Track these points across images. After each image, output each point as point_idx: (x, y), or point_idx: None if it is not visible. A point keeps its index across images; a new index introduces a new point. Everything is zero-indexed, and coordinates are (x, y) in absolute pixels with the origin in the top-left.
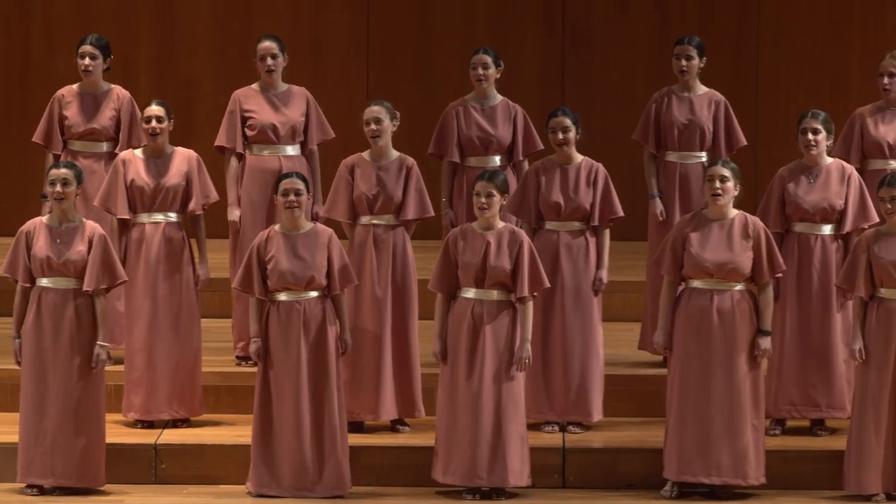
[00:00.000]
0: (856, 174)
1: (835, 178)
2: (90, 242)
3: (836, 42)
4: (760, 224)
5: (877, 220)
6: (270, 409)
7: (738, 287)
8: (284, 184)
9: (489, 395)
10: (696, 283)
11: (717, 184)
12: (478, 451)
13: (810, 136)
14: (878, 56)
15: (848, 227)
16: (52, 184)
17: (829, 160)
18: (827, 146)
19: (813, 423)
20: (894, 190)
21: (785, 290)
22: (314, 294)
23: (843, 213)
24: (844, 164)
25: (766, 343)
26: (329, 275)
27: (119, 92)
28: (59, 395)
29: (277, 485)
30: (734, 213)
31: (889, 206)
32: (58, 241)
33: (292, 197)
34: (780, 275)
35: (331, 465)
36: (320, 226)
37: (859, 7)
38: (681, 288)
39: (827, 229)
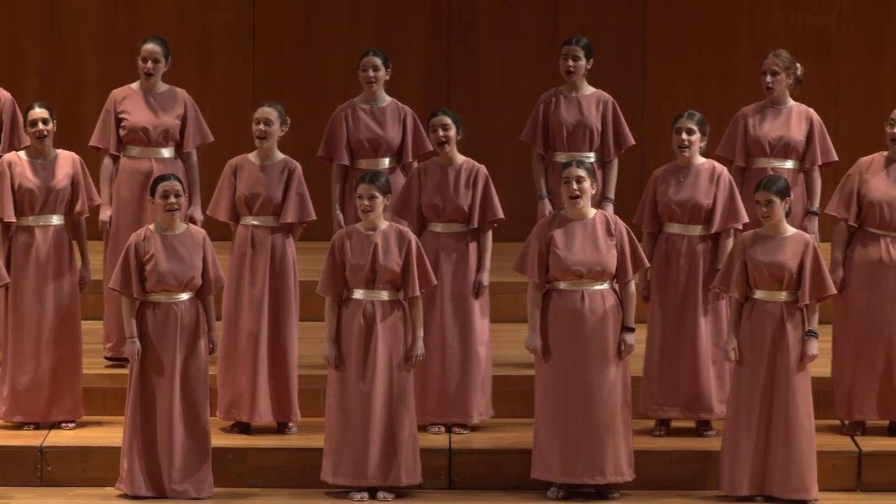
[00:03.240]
0: (726, 174)
1: (704, 178)
2: None
3: (723, 41)
4: (621, 222)
5: (746, 220)
6: (146, 410)
7: (605, 286)
8: (164, 186)
9: (381, 395)
10: (563, 285)
11: (575, 185)
12: (370, 451)
13: (684, 136)
14: (764, 56)
15: (716, 227)
16: None
17: (702, 160)
18: (700, 147)
19: (699, 423)
20: (770, 193)
21: (651, 289)
22: (188, 295)
23: (711, 213)
24: (716, 164)
25: (631, 339)
26: (203, 276)
27: (1, 94)
28: None
29: (151, 486)
30: (593, 212)
31: (765, 209)
32: None
33: (172, 199)
34: (642, 269)
35: (205, 467)
36: (193, 227)
37: (746, 7)
38: (547, 289)
39: (696, 230)
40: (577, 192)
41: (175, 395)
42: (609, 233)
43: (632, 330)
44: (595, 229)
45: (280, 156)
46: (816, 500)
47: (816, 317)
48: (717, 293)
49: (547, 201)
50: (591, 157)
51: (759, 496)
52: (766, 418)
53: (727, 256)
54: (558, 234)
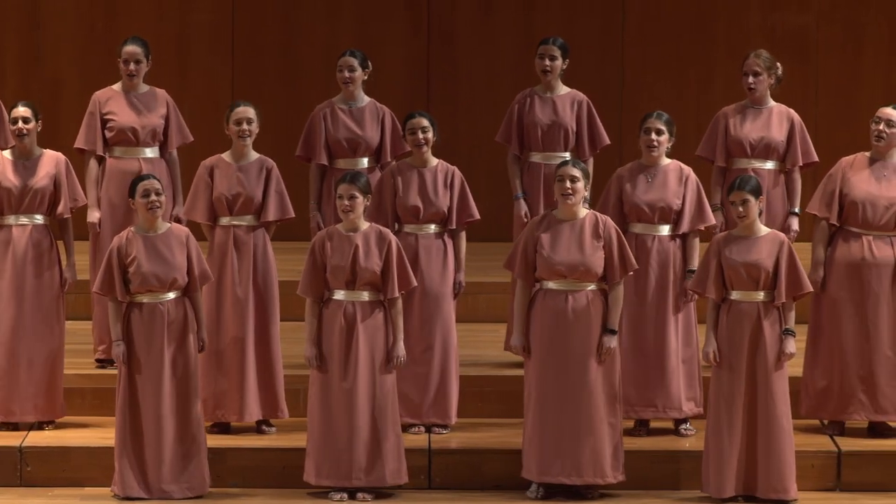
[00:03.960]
0: (693, 175)
1: (672, 179)
2: None
3: (701, 42)
4: (611, 223)
5: (713, 221)
6: (135, 412)
7: (592, 287)
8: (144, 185)
9: (364, 396)
10: (550, 285)
11: (568, 184)
12: (354, 452)
13: (653, 136)
14: (743, 55)
15: (685, 227)
16: None
17: (667, 161)
18: (667, 148)
19: (677, 423)
20: (744, 193)
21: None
22: (174, 295)
23: (680, 213)
24: (682, 164)
25: (611, 342)
26: (189, 274)
27: None
28: None
29: (143, 487)
30: (584, 212)
31: (741, 209)
32: None
33: (153, 197)
34: (631, 272)
35: (193, 466)
36: (176, 225)
37: (723, 7)
38: (536, 289)
39: (664, 230)
40: (570, 191)
41: (164, 395)
42: (597, 234)
43: (614, 332)
44: (583, 230)
45: (255, 154)
46: (796, 499)
47: (793, 315)
48: (691, 295)
49: (523, 202)
50: (565, 157)
51: (740, 497)
52: (747, 418)
53: (702, 258)
54: (545, 234)
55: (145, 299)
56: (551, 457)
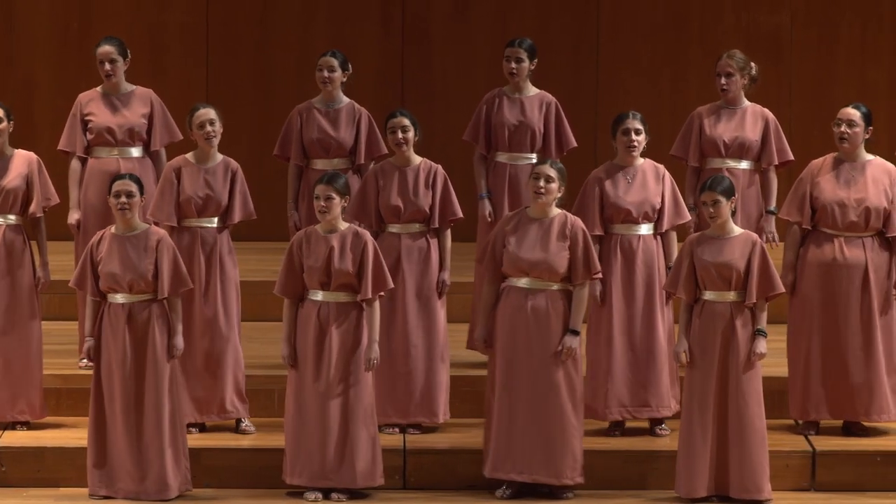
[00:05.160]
0: (668, 173)
1: (651, 178)
2: None
3: (676, 42)
4: (580, 225)
5: (689, 218)
6: (103, 410)
7: (555, 287)
8: (116, 185)
9: (337, 397)
10: (514, 282)
11: (542, 182)
12: (326, 452)
13: (633, 136)
14: (717, 56)
15: (665, 225)
16: None
17: (642, 160)
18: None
19: (652, 422)
20: (716, 193)
21: (610, 292)
22: (143, 297)
23: (660, 212)
24: (656, 163)
25: (572, 342)
26: (159, 278)
27: None
28: None
29: (111, 486)
30: (555, 212)
31: (712, 209)
32: None
33: (123, 199)
34: (597, 276)
35: (154, 470)
36: (154, 228)
37: (697, 7)
38: (503, 286)
39: (646, 229)
40: (544, 190)
41: (129, 397)
42: (563, 235)
43: (576, 333)
44: (550, 230)
45: (220, 156)
46: (770, 499)
47: (765, 315)
48: (668, 294)
49: (487, 201)
50: (532, 158)
51: (713, 497)
52: (719, 419)
53: (676, 258)
54: (514, 230)
55: (114, 298)
56: (506, 454)
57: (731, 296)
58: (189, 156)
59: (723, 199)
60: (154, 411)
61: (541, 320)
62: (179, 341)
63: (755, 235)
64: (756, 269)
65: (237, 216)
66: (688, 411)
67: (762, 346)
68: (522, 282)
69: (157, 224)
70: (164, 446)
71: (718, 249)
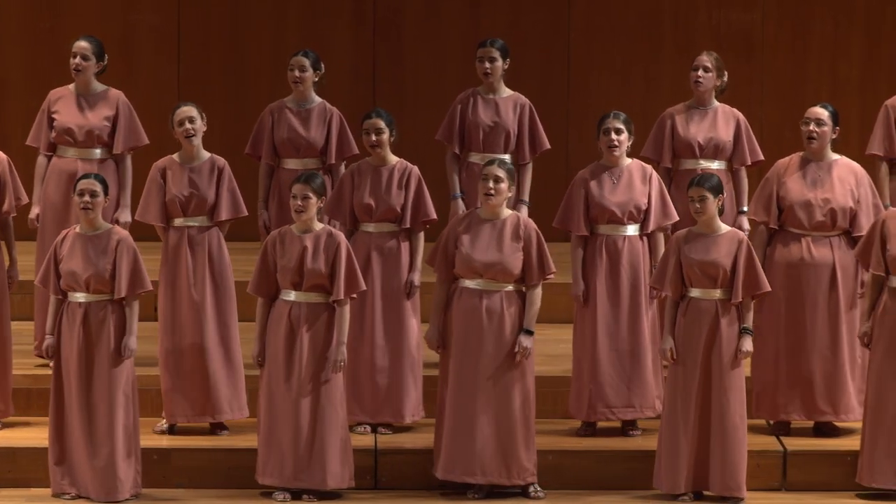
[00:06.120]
0: (656, 174)
1: (637, 178)
2: None
3: (647, 41)
4: (532, 226)
5: (677, 218)
6: (62, 408)
7: (509, 288)
8: (81, 184)
9: (307, 398)
10: (466, 283)
11: (491, 184)
12: (296, 453)
13: (613, 136)
14: (689, 55)
15: (651, 226)
16: None
17: (629, 160)
18: (626, 147)
19: (624, 423)
20: (703, 190)
21: (595, 293)
22: (101, 297)
23: (646, 212)
24: (643, 163)
25: (527, 342)
26: (117, 279)
27: None
28: None
29: (73, 484)
30: (507, 213)
31: (698, 205)
32: None
33: (87, 198)
34: (551, 277)
35: (105, 470)
36: (116, 228)
37: (670, 7)
38: (454, 286)
39: (632, 229)
40: (493, 191)
41: (85, 396)
42: (517, 236)
43: (530, 333)
44: (503, 230)
45: (206, 154)
46: (744, 498)
47: (751, 314)
48: (654, 293)
49: (460, 201)
50: (506, 159)
51: (687, 494)
52: (701, 415)
53: (662, 255)
54: (466, 232)
55: (73, 297)
56: (459, 456)
57: (717, 293)
58: (175, 155)
59: (710, 196)
60: (106, 411)
61: (495, 322)
62: (132, 342)
63: (742, 234)
64: (742, 267)
65: (224, 214)
66: (670, 407)
67: (748, 344)
68: (475, 283)
69: (166, 226)
70: (116, 447)
71: (705, 247)
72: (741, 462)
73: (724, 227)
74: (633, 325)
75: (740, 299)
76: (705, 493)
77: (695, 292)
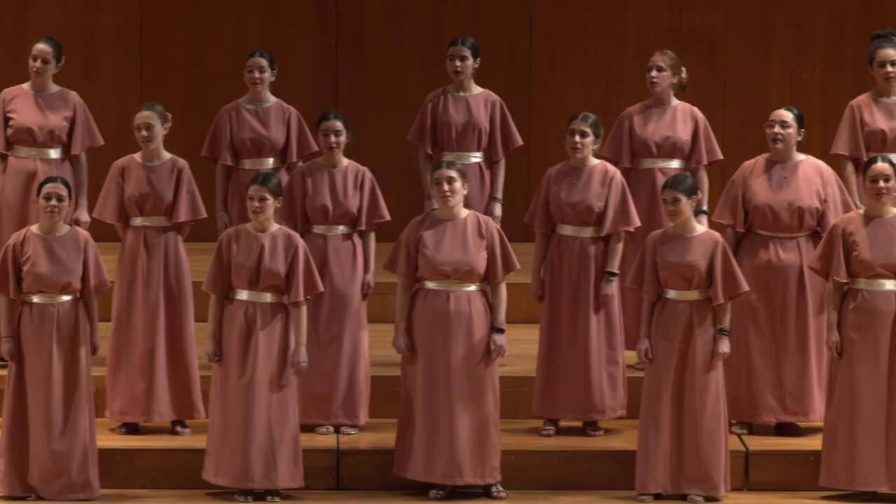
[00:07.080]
0: (619, 177)
1: (596, 181)
2: None
3: (609, 41)
4: (493, 224)
5: (638, 224)
6: (22, 411)
7: (473, 287)
8: (48, 188)
9: (261, 398)
10: (430, 285)
11: (446, 186)
12: (249, 453)
13: (577, 138)
14: (650, 56)
15: (607, 230)
16: None
17: (595, 162)
18: (593, 149)
19: (586, 424)
20: (676, 191)
21: (546, 290)
22: (68, 297)
23: (602, 215)
24: (609, 166)
25: (501, 339)
26: (84, 279)
27: None
28: None
29: (24, 487)
30: (465, 212)
31: (671, 207)
32: None
33: (54, 202)
34: (514, 271)
35: (80, 469)
36: (77, 229)
37: (631, 8)
38: (416, 288)
39: (587, 231)
40: (449, 193)
41: (52, 397)
42: (479, 234)
43: (501, 331)
44: (465, 230)
45: (167, 155)
46: (720, 498)
47: (729, 316)
48: (635, 291)
49: (434, 201)
50: (478, 156)
51: (663, 494)
52: (677, 417)
53: (638, 256)
54: (428, 234)
55: (36, 299)
56: (437, 458)
57: (693, 294)
58: (137, 154)
59: (683, 197)
60: (82, 410)
61: (464, 322)
62: (97, 340)
63: (717, 235)
64: (719, 269)
65: (183, 216)
66: (646, 408)
67: (725, 345)
68: (440, 284)
69: (124, 224)
70: (88, 446)
71: (680, 249)
72: (718, 462)
73: (700, 229)
74: (575, 328)
75: (721, 301)
76: (686, 493)
77: (671, 294)
